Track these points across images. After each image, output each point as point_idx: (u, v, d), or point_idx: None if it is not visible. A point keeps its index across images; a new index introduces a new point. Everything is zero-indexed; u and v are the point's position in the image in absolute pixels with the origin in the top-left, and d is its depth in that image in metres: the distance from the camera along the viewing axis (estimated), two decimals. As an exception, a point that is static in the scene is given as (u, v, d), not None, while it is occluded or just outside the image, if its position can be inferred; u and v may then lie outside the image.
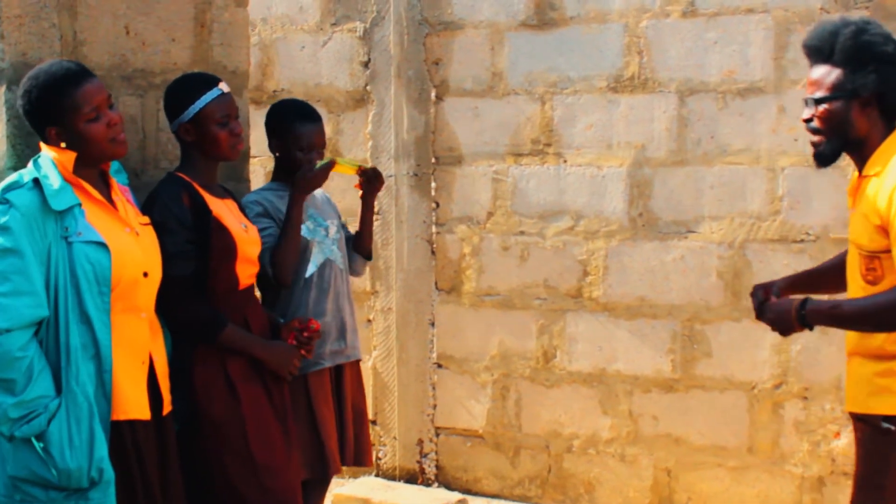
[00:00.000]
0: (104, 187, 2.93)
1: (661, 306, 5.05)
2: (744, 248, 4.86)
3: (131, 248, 2.87)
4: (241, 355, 3.28)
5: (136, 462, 2.86)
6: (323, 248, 3.82)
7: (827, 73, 2.95)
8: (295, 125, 3.78)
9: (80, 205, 2.79)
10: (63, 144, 2.81)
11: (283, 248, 3.61)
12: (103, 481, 2.73)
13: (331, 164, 3.69)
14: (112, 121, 2.85)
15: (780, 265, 4.69)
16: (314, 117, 3.84)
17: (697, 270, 4.97)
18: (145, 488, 2.87)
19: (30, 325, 2.68)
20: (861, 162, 2.97)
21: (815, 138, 2.98)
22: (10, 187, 2.74)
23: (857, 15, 3.04)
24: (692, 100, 4.92)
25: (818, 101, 2.94)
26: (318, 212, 3.88)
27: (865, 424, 2.97)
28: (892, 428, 2.88)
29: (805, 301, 2.93)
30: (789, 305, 2.95)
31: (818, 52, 2.99)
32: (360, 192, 3.95)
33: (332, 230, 3.89)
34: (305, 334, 3.46)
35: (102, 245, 2.78)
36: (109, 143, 2.85)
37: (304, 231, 3.72)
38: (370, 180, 3.90)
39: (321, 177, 3.68)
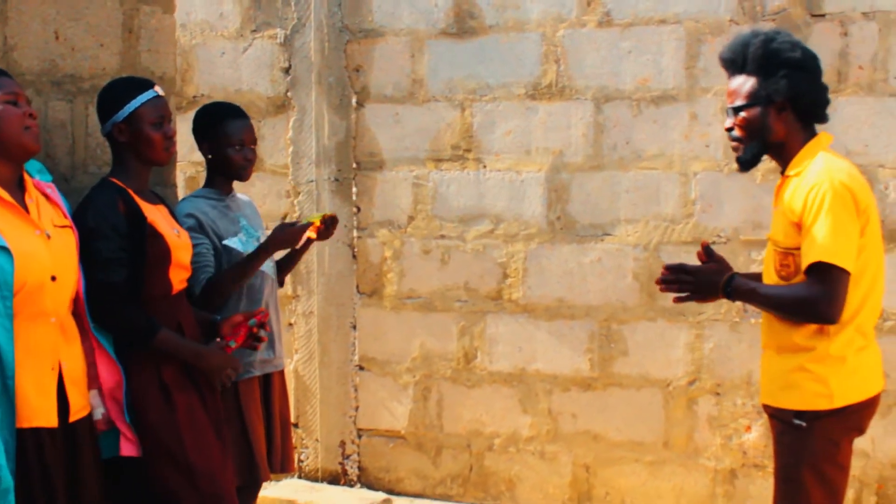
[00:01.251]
0: (17, 191, 2.88)
1: (579, 307, 5.15)
2: (658, 250, 4.99)
3: (38, 251, 2.81)
4: (175, 362, 3.27)
5: (39, 470, 2.79)
6: None
7: (742, 83, 3.11)
8: (225, 123, 3.79)
9: None
10: None
11: (225, 287, 3.64)
12: (1, 489, 2.66)
13: (308, 225, 3.71)
14: (28, 112, 2.85)
15: None
16: (242, 115, 3.87)
17: (614, 272, 5.07)
18: (47, 496, 2.81)
19: None
20: (784, 163, 3.13)
21: (737, 145, 3.13)
22: None
23: (766, 26, 3.18)
24: (608, 107, 5.03)
25: (736, 110, 3.10)
26: (248, 223, 3.89)
27: (779, 420, 3.10)
28: (804, 424, 3.01)
29: (732, 275, 3.08)
30: (719, 276, 3.08)
31: (732, 63, 3.15)
32: (313, 237, 3.83)
33: (263, 240, 3.87)
34: (258, 319, 3.47)
35: (4, 249, 2.72)
36: (23, 131, 2.82)
37: (236, 244, 3.74)
38: (328, 227, 3.86)
39: (298, 235, 3.70)
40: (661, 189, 4.95)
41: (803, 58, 3.09)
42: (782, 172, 3.16)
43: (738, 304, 4.78)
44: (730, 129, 3.14)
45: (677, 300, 3.18)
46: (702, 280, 3.11)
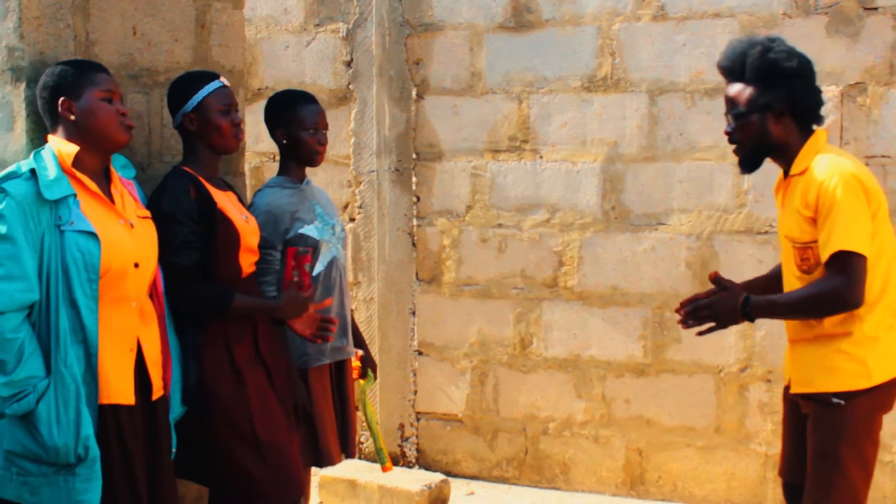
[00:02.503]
0: (104, 181, 3.04)
1: (633, 295, 5.25)
2: (711, 240, 5.07)
3: (123, 239, 2.96)
4: (245, 342, 3.42)
5: (117, 444, 2.95)
6: (330, 247, 3.87)
7: (741, 91, 3.24)
8: (298, 108, 3.86)
9: (74, 195, 2.88)
10: (72, 118, 2.94)
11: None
12: (89, 458, 2.83)
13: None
14: (122, 110, 3.02)
15: (746, 255, 4.91)
16: (314, 101, 3.93)
17: (667, 260, 5.16)
18: (126, 468, 2.96)
19: (21, 308, 2.78)
20: (786, 163, 3.27)
21: (738, 148, 3.27)
22: (8, 177, 2.84)
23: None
24: (662, 99, 5.12)
25: (736, 117, 3.22)
26: (324, 211, 3.94)
27: (816, 403, 3.21)
28: (842, 402, 3.13)
29: (747, 298, 3.17)
30: (735, 302, 3.17)
31: (731, 71, 3.28)
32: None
33: (338, 228, 3.95)
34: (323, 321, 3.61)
35: (93, 235, 2.86)
36: (118, 126, 2.99)
37: (313, 231, 3.79)
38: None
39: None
40: (714, 179, 5.02)
41: (799, 66, 3.22)
42: (785, 173, 3.29)
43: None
44: (730, 134, 3.27)
45: (700, 333, 3.29)
46: (719, 309, 3.20)
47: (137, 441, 3.02)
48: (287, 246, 3.71)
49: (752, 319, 3.18)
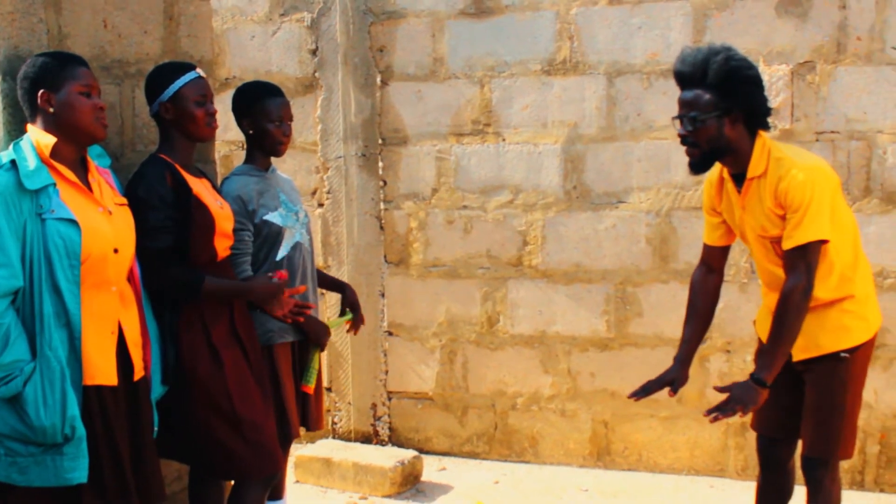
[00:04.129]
0: (81, 171, 3.12)
1: (596, 271, 5.38)
2: (670, 216, 5.22)
3: (102, 226, 3.04)
4: (222, 322, 3.52)
5: (102, 423, 3.04)
6: (293, 232, 4.00)
7: (700, 95, 3.41)
8: (264, 100, 3.97)
9: (54, 185, 2.95)
10: (51, 110, 3.01)
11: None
12: (76, 437, 2.92)
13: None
14: (99, 105, 3.09)
15: (703, 230, 5.05)
16: (280, 93, 4.04)
17: (628, 237, 5.31)
18: (110, 447, 3.05)
19: (5, 294, 2.86)
20: (736, 166, 3.47)
21: (692, 150, 3.45)
22: None
23: (718, 43, 3.47)
24: (620, 81, 5.25)
25: (694, 120, 3.37)
26: (288, 198, 4.06)
27: (823, 362, 3.47)
28: (848, 356, 3.43)
29: (755, 377, 3.36)
30: (750, 388, 3.35)
31: (690, 77, 3.45)
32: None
33: (301, 214, 4.08)
34: (293, 299, 3.75)
35: (73, 222, 2.93)
36: (93, 122, 3.06)
37: (276, 218, 3.92)
38: (356, 324, 4.31)
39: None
40: (672, 158, 5.16)
41: (756, 74, 3.42)
42: (739, 176, 3.48)
43: (746, 265, 5.03)
44: (684, 136, 3.43)
45: (743, 415, 3.40)
46: (742, 398, 3.35)
47: (120, 420, 3.10)
48: (255, 229, 3.87)
49: (769, 383, 3.35)
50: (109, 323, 3.08)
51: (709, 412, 3.34)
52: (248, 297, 3.66)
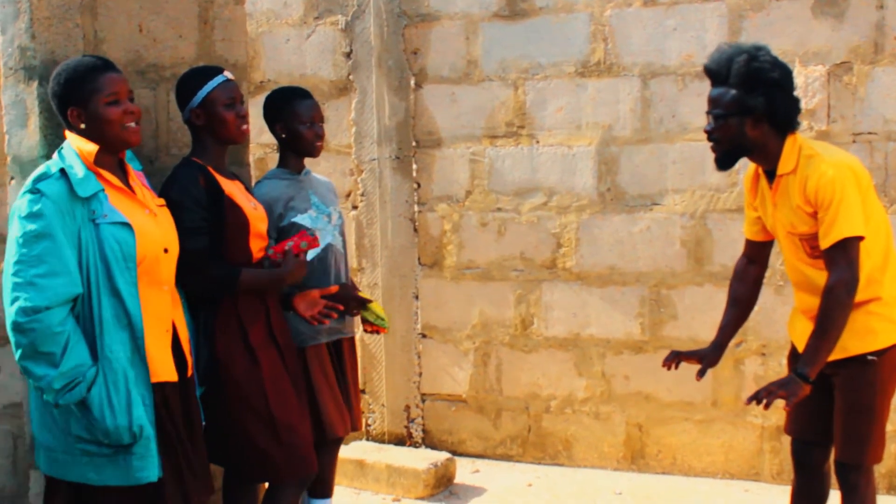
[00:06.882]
0: (122, 174, 3.17)
1: (630, 274, 5.37)
2: (704, 218, 5.19)
3: (151, 227, 3.10)
4: (259, 323, 3.54)
5: (168, 419, 3.12)
6: (325, 234, 4.01)
7: (724, 93, 3.41)
8: (295, 103, 4.01)
9: (103, 190, 3.02)
10: (83, 126, 3.04)
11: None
12: (144, 437, 2.99)
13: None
14: (128, 109, 3.09)
15: (738, 233, 4.95)
16: (309, 95, 4.08)
17: (662, 240, 5.29)
18: (179, 442, 3.13)
19: (66, 301, 2.91)
20: (766, 163, 3.46)
21: (715, 146, 3.45)
22: (40, 178, 2.96)
23: (749, 43, 3.46)
24: (654, 82, 5.23)
25: (716, 117, 3.37)
26: (320, 199, 4.07)
27: (851, 364, 3.44)
28: (876, 359, 3.40)
29: (798, 371, 3.33)
30: (793, 381, 3.32)
31: (717, 75, 3.45)
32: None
33: (334, 217, 4.09)
34: (303, 247, 3.69)
35: (127, 225, 3.01)
36: (121, 129, 3.06)
37: (306, 220, 3.94)
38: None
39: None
40: (706, 160, 5.04)
41: (780, 77, 3.38)
42: (770, 173, 3.46)
43: (782, 267, 4.99)
44: (709, 132, 3.44)
45: (787, 405, 3.36)
46: (786, 390, 3.31)
47: (180, 416, 3.19)
48: (280, 233, 3.87)
49: (812, 379, 3.32)
50: (164, 321, 3.16)
51: (751, 398, 3.32)
52: (287, 282, 3.64)
